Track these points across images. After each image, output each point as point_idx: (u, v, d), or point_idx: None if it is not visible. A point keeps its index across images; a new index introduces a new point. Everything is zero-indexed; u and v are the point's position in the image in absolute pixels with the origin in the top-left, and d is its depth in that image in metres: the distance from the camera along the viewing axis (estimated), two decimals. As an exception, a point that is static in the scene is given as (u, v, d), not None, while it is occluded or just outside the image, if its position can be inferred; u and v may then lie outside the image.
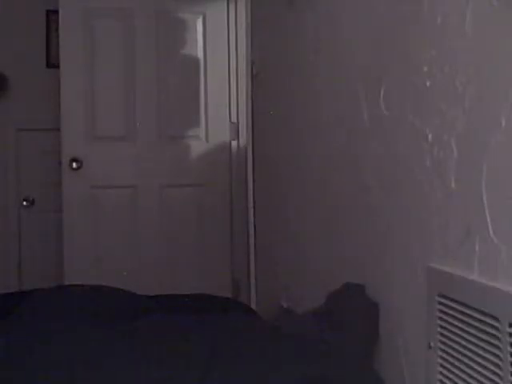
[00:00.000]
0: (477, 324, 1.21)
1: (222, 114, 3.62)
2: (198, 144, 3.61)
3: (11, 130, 4.18)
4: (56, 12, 4.21)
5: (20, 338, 1.63)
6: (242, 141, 3.53)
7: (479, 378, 1.21)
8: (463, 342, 1.27)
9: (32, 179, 4.21)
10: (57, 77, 4.22)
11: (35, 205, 4.24)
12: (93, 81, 3.41)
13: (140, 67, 3.47)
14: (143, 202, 3.50)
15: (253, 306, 3.08)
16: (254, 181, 3.22)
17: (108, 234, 3.48)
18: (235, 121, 3.63)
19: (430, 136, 1.43)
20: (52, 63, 4.24)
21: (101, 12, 3.43)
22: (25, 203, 4.21)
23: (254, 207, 3.21)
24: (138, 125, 3.47)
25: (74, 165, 3.41)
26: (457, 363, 1.30)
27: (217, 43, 3.62)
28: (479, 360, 1.21)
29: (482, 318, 1.19)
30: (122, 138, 3.51)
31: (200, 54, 3.61)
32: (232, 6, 3.63)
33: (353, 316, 1.75)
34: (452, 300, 1.31)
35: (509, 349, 1.10)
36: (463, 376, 1.27)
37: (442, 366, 1.36)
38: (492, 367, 1.16)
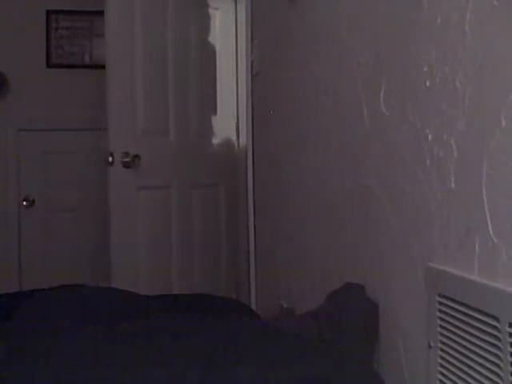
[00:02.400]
0: (477, 324, 1.21)
1: (229, 112, 3.63)
2: (208, 142, 3.61)
3: (11, 130, 4.18)
4: (56, 12, 4.23)
5: (20, 338, 1.63)
6: (243, 140, 3.53)
7: (479, 377, 1.21)
8: (463, 342, 1.27)
9: (32, 179, 4.22)
10: (57, 77, 4.23)
11: (35, 205, 4.25)
12: (134, 79, 3.24)
13: (172, 64, 3.38)
14: (177, 202, 3.40)
15: (253, 306, 3.08)
16: (254, 180, 3.22)
17: (148, 234, 3.32)
18: (235, 120, 3.65)
19: (429, 136, 1.43)
20: (52, 63, 4.25)
21: (142, 14, 3.28)
22: (25, 203, 4.22)
23: (254, 207, 3.21)
24: (173, 123, 3.38)
25: (122, 163, 3.15)
26: (457, 363, 1.30)
27: (224, 41, 3.62)
28: (479, 360, 1.21)
29: (482, 318, 1.19)
30: (165, 134, 3.38)
31: (216, 50, 3.61)
32: (232, 5, 3.64)
33: (353, 316, 1.75)
34: (452, 300, 1.31)
35: (509, 349, 1.10)
36: (463, 376, 1.27)
37: (441, 365, 1.36)
38: (492, 367, 1.16)
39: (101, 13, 4.34)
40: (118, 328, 1.69)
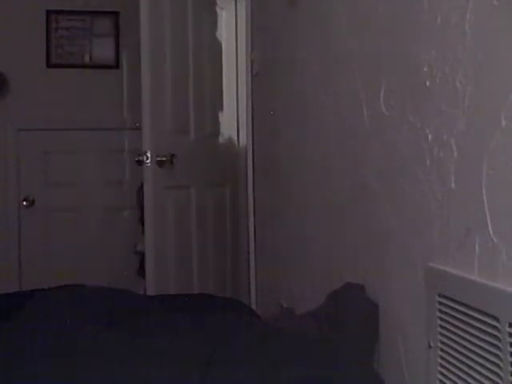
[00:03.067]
0: (477, 324, 1.21)
1: (230, 112, 3.63)
2: (217, 142, 3.60)
3: (11, 130, 4.18)
4: (56, 12, 4.23)
5: (20, 338, 1.63)
6: (243, 140, 3.53)
7: (479, 377, 1.21)
8: (463, 342, 1.27)
9: (32, 179, 4.22)
10: (57, 77, 4.23)
11: (35, 205, 4.25)
12: (164, 78, 3.14)
13: (192, 62, 3.33)
14: (196, 202, 3.33)
15: (253, 306, 3.08)
16: (253, 180, 3.22)
17: (174, 234, 3.22)
18: (236, 120, 3.65)
19: (429, 136, 1.43)
20: (52, 63, 4.25)
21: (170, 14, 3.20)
22: (25, 203, 4.22)
23: (254, 207, 3.21)
24: (192, 122, 3.32)
25: (157, 162, 3.03)
26: (457, 363, 1.30)
27: (225, 41, 3.61)
28: (479, 360, 1.21)
29: (482, 318, 1.19)
30: (186, 133, 3.32)
31: (223, 49, 3.60)
32: (233, 5, 3.63)
33: (353, 316, 1.75)
34: (452, 300, 1.31)
35: (509, 349, 1.10)
36: (463, 376, 1.27)
37: (441, 365, 1.36)
38: (492, 367, 1.16)
39: (101, 13, 4.35)
40: (118, 328, 1.69)
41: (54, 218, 4.21)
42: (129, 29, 4.27)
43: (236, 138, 3.67)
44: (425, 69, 1.44)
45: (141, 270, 3.89)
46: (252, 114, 3.20)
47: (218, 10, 3.57)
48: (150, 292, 2.87)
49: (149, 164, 2.96)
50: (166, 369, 1.43)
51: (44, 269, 4.03)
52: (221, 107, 3.59)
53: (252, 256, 3.22)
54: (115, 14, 4.29)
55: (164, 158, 3.02)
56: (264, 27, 3.03)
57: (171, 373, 1.42)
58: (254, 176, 3.22)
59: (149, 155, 2.96)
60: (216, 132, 3.56)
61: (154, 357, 1.49)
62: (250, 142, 3.24)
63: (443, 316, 1.35)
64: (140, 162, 3.00)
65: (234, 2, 3.63)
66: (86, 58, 4.31)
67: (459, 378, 1.29)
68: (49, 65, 4.25)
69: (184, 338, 1.61)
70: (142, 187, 3.89)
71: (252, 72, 3.16)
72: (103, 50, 4.31)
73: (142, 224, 3.97)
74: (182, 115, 3.23)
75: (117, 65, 4.32)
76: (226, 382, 1.40)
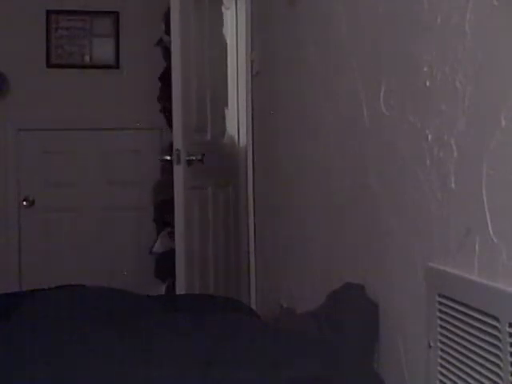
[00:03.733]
0: (477, 324, 1.21)
1: (231, 112, 3.62)
2: (224, 142, 3.59)
3: (11, 130, 4.18)
4: (56, 12, 4.23)
5: (20, 338, 1.63)
6: (243, 140, 3.53)
7: (479, 377, 1.21)
8: (463, 342, 1.27)
9: (32, 179, 4.22)
10: (57, 77, 4.23)
11: (35, 205, 4.24)
12: (190, 78, 3.11)
13: (207, 62, 3.32)
14: (212, 201, 3.32)
15: (253, 306, 3.08)
16: (254, 180, 3.22)
17: (199, 234, 3.20)
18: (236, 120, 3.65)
19: (429, 136, 1.43)
20: (52, 63, 4.25)
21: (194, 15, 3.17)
22: (25, 203, 4.22)
23: (254, 207, 3.21)
24: (209, 122, 3.32)
25: (185, 161, 2.99)
26: (457, 363, 1.30)
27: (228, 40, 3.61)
28: (479, 360, 1.21)
29: (482, 318, 1.19)
30: (205, 133, 3.30)
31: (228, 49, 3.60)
32: (233, 4, 3.63)
33: (353, 316, 1.75)
34: (452, 300, 1.31)
35: (509, 349, 1.10)
36: (463, 376, 1.27)
37: (441, 365, 1.36)
38: (492, 367, 1.16)
39: (101, 13, 4.35)
40: (118, 328, 1.69)
41: (54, 218, 4.21)
42: (129, 29, 4.27)
43: (236, 137, 3.67)
44: (425, 69, 1.44)
45: (159, 272, 3.83)
46: (252, 114, 3.20)
47: (223, 9, 3.58)
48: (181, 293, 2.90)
49: (180, 163, 2.95)
50: (165, 369, 1.43)
51: (44, 269, 4.02)
52: (226, 107, 3.59)
53: (252, 256, 3.22)
54: (115, 14, 4.28)
55: (193, 158, 3.02)
56: (264, 27, 3.03)
57: (171, 373, 1.42)
58: (254, 176, 3.22)
59: (180, 154, 2.94)
60: (224, 132, 3.56)
61: (154, 357, 1.49)
62: (250, 142, 3.24)
63: (443, 316, 1.35)
64: (168, 162, 2.99)
65: (234, 2, 3.62)
66: (86, 58, 4.31)
67: (459, 377, 1.29)
68: (49, 65, 4.24)
69: (184, 338, 1.61)
70: (156, 187, 3.84)
71: (252, 72, 3.16)
72: (103, 50, 4.31)
73: (157, 224, 3.94)
74: (202, 115, 3.25)
75: (117, 65, 4.32)
76: (226, 381, 1.40)
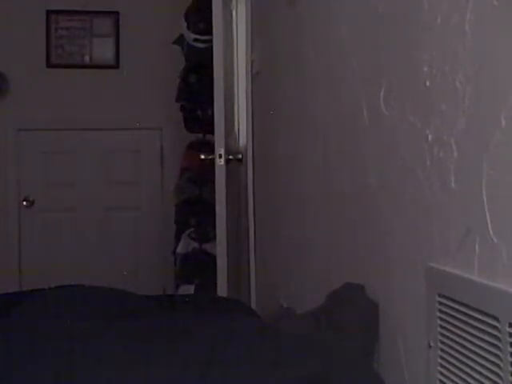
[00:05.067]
0: (477, 324, 1.21)
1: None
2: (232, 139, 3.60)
3: (11, 130, 4.18)
4: (56, 12, 4.23)
5: (20, 337, 1.63)
6: (243, 140, 3.53)
7: (479, 377, 1.21)
8: (463, 342, 1.27)
9: (32, 179, 4.22)
10: (57, 77, 4.23)
11: (35, 205, 4.25)
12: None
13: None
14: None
15: (253, 306, 3.08)
16: (253, 180, 3.22)
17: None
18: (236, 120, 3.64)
19: (429, 136, 1.43)
20: (52, 63, 4.25)
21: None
22: (25, 203, 4.22)
23: (254, 206, 3.21)
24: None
25: (222, 160, 3.09)
26: (457, 363, 1.30)
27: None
28: (479, 360, 1.21)
29: (482, 318, 1.19)
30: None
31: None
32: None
33: (353, 316, 1.75)
34: (452, 300, 1.31)
35: (509, 349, 1.10)
36: (463, 376, 1.27)
37: (441, 365, 1.36)
38: (492, 367, 1.16)
39: (101, 13, 4.35)
40: (118, 328, 1.69)
41: (54, 218, 4.21)
42: (129, 29, 4.27)
43: (236, 137, 3.67)
44: (425, 69, 1.44)
45: (185, 273, 3.79)
46: (252, 114, 3.20)
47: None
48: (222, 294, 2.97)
49: (222, 162, 3.04)
50: (165, 369, 1.43)
51: (44, 269, 4.03)
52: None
53: (252, 256, 3.22)
54: (115, 14, 4.29)
55: (231, 157, 3.14)
56: (264, 27, 3.03)
57: (171, 373, 1.42)
58: (254, 176, 3.22)
59: (222, 154, 3.03)
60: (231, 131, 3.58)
61: (154, 357, 1.49)
62: (250, 142, 3.24)
63: (443, 316, 1.35)
64: (209, 160, 3.10)
65: (234, 2, 3.63)
66: (86, 58, 4.31)
67: (459, 377, 1.29)
68: (49, 65, 4.25)
69: (184, 338, 1.61)
70: (177, 188, 3.83)
71: (252, 72, 3.16)
72: (103, 49, 4.32)
73: (178, 225, 3.91)
74: (229, 116, 3.28)
75: (117, 65, 4.32)
76: (226, 381, 1.40)
